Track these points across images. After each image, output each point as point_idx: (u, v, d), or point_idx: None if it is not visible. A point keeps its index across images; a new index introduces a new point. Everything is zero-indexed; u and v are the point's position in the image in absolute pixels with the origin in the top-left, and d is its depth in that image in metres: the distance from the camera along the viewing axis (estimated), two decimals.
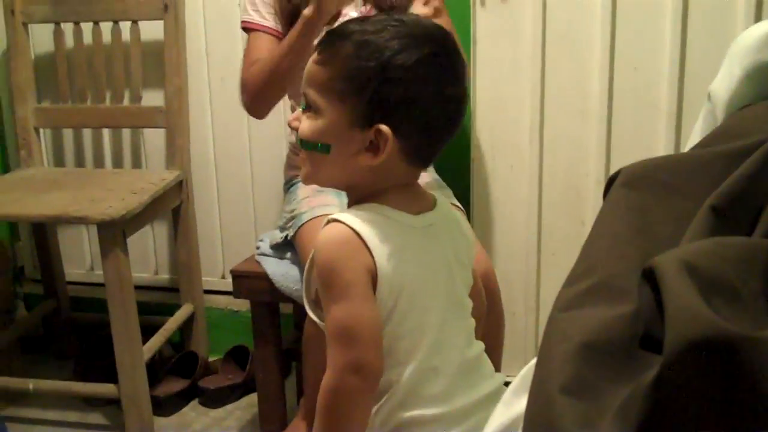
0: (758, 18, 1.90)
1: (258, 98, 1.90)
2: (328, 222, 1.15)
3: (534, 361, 0.70)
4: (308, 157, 1.17)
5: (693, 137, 1.00)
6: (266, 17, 1.91)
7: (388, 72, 1.07)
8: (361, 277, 1.09)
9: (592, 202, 2.11)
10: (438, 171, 2.08)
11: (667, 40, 1.98)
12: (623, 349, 0.62)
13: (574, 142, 2.11)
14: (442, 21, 1.98)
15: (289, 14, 1.88)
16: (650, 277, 0.59)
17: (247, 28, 1.94)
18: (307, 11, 1.75)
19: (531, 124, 2.12)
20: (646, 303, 0.59)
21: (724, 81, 0.95)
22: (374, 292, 1.10)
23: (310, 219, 1.84)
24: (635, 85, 2.04)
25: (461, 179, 2.18)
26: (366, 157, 1.11)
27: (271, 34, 1.91)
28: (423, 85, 1.08)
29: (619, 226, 0.77)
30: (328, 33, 1.15)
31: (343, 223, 1.12)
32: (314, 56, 1.13)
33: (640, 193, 0.80)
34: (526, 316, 2.22)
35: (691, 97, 1.99)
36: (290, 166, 2.05)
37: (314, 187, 1.91)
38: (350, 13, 1.88)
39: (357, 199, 1.20)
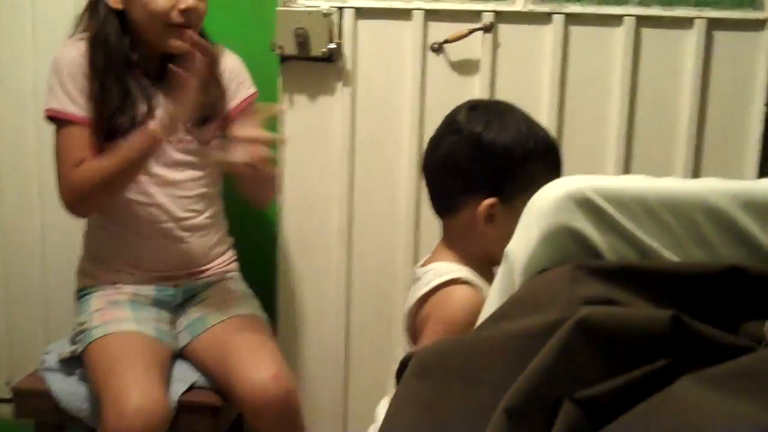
0: None
1: (86, 203, 1.77)
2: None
3: None
4: None
5: (491, 297, 0.97)
6: (78, 102, 1.74)
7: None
8: None
9: (401, 303, 2.07)
10: (244, 274, 2.00)
11: None
12: None
13: (384, 244, 2.08)
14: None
15: (110, 107, 1.75)
16: None
17: (59, 119, 1.75)
18: (156, 129, 1.66)
19: (340, 226, 2.07)
20: None
21: (521, 243, 0.92)
22: None
23: (102, 336, 1.71)
24: None
25: (267, 282, 2.10)
26: None
27: (87, 126, 1.75)
28: None
29: (410, 426, 0.71)
30: None
31: None
32: None
33: (432, 383, 0.75)
34: (333, 423, 2.15)
35: None
36: (83, 273, 1.90)
37: (108, 298, 1.81)
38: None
39: None
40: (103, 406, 1.59)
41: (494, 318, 0.86)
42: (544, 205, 0.91)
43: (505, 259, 0.95)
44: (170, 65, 1.67)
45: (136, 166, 1.70)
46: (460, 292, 1.31)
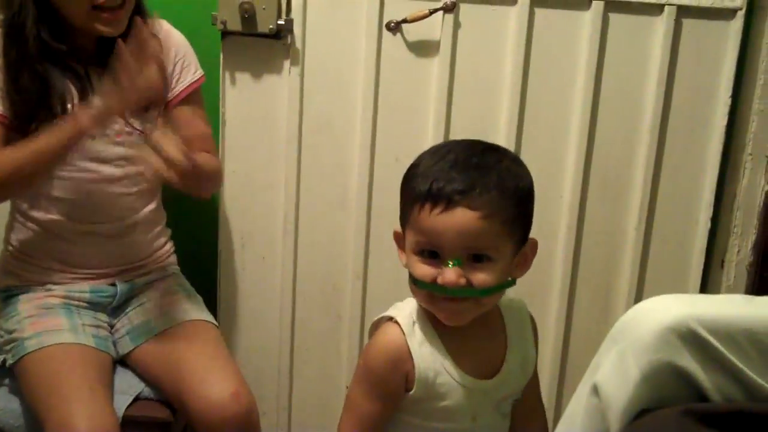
0: None
1: None
2: None
3: None
4: (487, 299, 1.20)
5: (574, 431, 0.87)
6: None
7: (531, 192, 1.22)
8: None
9: (350, 296, 1.98)
10: (183, 266, 1.85)
11: (430, 132, 1.88)
12: None
13: (332, 233, 1.96)
14: (200, 110, 1.76)
15: (27, 102, 1.56)
16: None
17: None
18: (83, 120, 1.48)
19: (286, 214, 1.94)
20: None
21: (616, 380, 0.83)
22: None
23: (37, 349, 1.55)
24: (396, 177, 1.91)
25: (207, 272, 1.97)
26: (520, 270, 1.23)
27: None
28: None
29: None
30: (458, 192, 1.14)
31: None
32: (467, 215, 1.13)
33: None
34: (277, 416, 2.05)
35: None
36: (7, 272, 1.72)
37: (38, 302, 1.64)
38: None
39: None
40: None
41: None
42: (645, 340, 0.81)
43: (594, 393, 0.85)
44: (119, 45, 1.49)
45: (53, 158, 1.53)
46: (383, 333, 1.26)
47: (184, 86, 1.72)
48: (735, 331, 0.82)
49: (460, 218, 1.14)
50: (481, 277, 1.16)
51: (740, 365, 0.82)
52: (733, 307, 0.85)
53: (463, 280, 1.16)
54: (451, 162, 1.17)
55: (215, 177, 1.75)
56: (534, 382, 1.36)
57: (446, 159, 1.18)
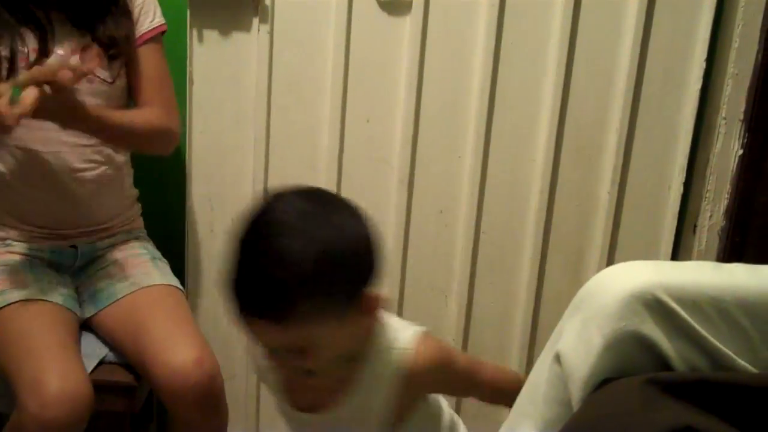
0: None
1: None
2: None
3: None
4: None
5: (535, 401, 0.85)
6: None
7: (343, 254, 1.07)
8: None
9: None
10: (149, 229, 1.82)
11: (402, 93, 1.85)
12: None
13: None
14: (155, 59, 1.71)
15: None
16: None
17: None
18: None
19: (255, 176, 1.90)
20: None
21: (579, 349, 0.81)
22: None
23: (5, 306, 1.52)
24: (367, 137, 1.89)
25: (175, 238, 1.93)
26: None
27: None
28: None
29: None
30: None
31: None
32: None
33: None
34: (246, 378, 2.04)
35: (422, 152, 1.88)
36: None
37: (3, 259, 1.60)
38: None
39: None
40: (19, 392, 1.41)
41: None
42: (608, 307, 0.79)
43: (556, 361, 0.83)
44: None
45: None
46: None
47: (140, 33, 1.67)
48: (701, 299, 0.81)
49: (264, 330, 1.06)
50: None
51: (705, 334, 0.80)
52: (700, 274, 0.83)
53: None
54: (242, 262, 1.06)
55: (159, 136, 1.67)
56: (474, 379, 1.23)
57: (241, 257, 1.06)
